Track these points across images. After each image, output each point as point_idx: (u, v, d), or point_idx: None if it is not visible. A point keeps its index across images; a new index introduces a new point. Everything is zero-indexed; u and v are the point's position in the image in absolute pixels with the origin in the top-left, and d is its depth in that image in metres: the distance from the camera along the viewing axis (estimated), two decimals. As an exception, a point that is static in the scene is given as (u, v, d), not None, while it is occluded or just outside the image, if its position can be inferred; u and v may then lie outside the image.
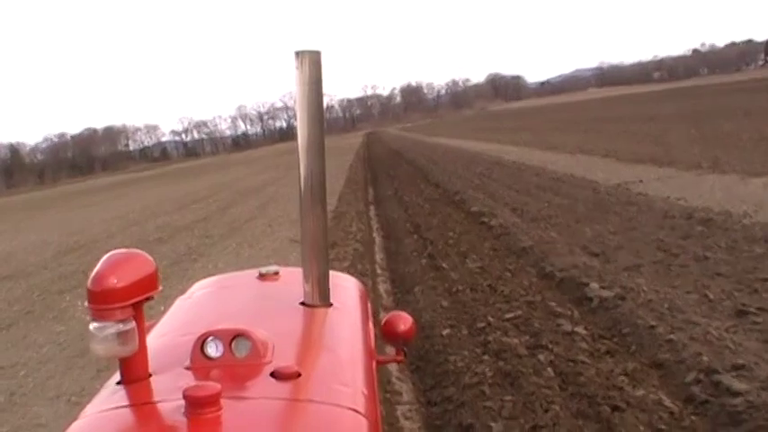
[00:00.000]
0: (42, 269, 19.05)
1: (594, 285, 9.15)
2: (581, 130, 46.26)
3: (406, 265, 12.79)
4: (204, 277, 3.94)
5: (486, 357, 7.38)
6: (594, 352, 7.15)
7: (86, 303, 2.07)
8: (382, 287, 11.80)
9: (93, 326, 2.06)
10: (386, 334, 3.46)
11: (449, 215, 17.21)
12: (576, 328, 7.82)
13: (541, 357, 7.05)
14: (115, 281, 2.05)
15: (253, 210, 27.13)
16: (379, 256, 14.51)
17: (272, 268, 3.56)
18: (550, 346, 7.35)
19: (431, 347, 8.16)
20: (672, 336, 7.03)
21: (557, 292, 9.45)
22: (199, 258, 16.59)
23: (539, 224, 14.29)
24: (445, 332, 8.44)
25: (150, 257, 2.21)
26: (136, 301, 2.10)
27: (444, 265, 11.83)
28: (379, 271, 13.13)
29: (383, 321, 3.47)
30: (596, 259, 10.83)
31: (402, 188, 25.36)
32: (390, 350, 3.82)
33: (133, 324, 2.10)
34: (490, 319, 8.56)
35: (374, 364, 3.01)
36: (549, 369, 6.76)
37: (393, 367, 7.86)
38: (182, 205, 34.42)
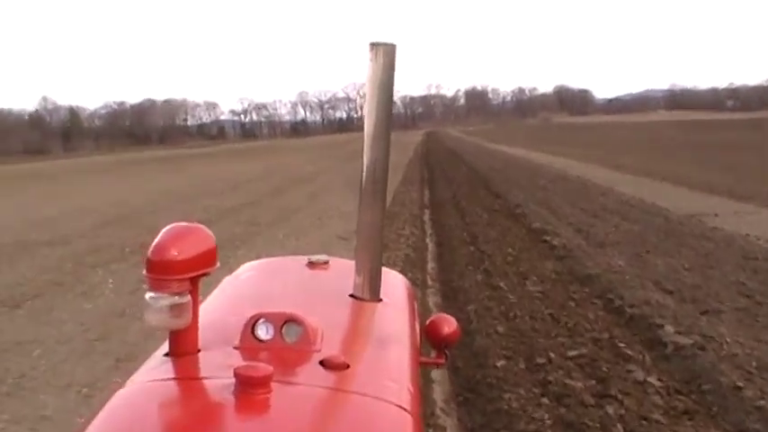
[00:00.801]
0: (80, 238, 18.61)
1: (670, 329, 8.33)
2: (650, 152, 45.14)
3: (459, 278, 12.04)
4: None
5: (545, 401, 6.61)
6: (670, 410, 6.34)
7: (144, 272, 2.04)
8: (432, 300, 11.08)
9: (149, 295, 2.04)
10: (429, 335, 3.27)
11: (508, 228, 16.44)
12: (650, 378, 7.02)
13: (610, 410, 6.25)
14: (175, 253, 2.03)
15: (303, 199, 26.64)
16: (430, 265, 13.80)
17: (322, 257, 3.52)
18: (620, 396, 6.55)
19: (482, 379, 7.40)
20: (762, 402, 6.22)
21: (626, 331, 8.64)
22: (241, 246, 15.95)
23: (605, 250, 13.47)
24: (500, 363, 7.68)
25: (211, 233, 2.18)
26: (194, 276, 2.08)
27: (502, 284, 11.06)
28: (429, 282, 12.40)
29: (427, 323, 3.26)
30: (670, 297, 9.99)
31: (460, 194, 24.57)
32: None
33: (189, 298, 2.08)
34: (551, 354, 7.77)
35: (418, 364, 2.89)
36: (620, 426, 5.97)
37: (438, 395, 7.24)
38: (232, 186, 34.05)
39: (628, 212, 18.30)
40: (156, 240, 2.07)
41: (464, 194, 24.28)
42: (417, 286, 11.20)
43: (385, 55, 2.79)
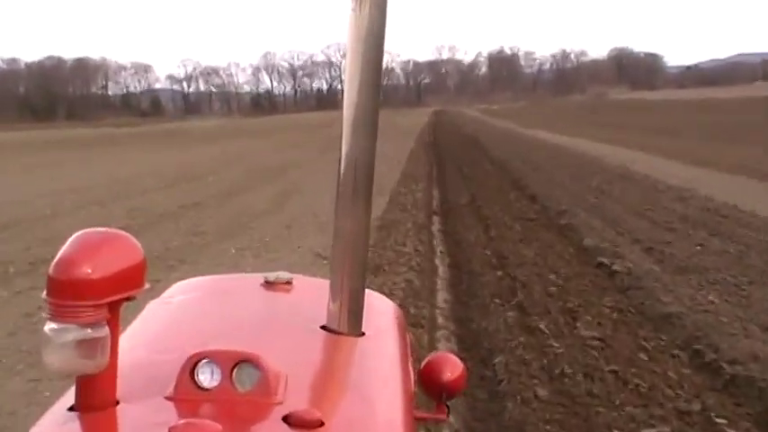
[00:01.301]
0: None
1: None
2: (747, 140, 44.54)
3: (482, 316, 11.60)
4: None
5: None
6: None
7: (44, 296, 1.91)
8: (444, 347, 10.62)
9: (49, 327, 1.91)
10: (427, 381, 3.27)
11: (549, 246, 16.03)
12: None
13: None
14: (88, 270, 1.91)
15: (268, 200, 26.30)
16: (441, 297, 13.35)
17: (284, 275, 3.42)
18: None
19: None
20: None
21: (726, 400, 8.18)
22: (178, 266, 15.50)
23: (689, 278, 13.04)
24: (543, 446, 7.25)
25: (136, 242, 2.08)
26: (114, 300, 1.97)
27: (542, 326, 10.60)
28: (440, 320, 11.93)
29: (424, 364, 3.30)
30: (786, 349, 9.57)
31: (482, 196, 24.19)
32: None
33: (106, 331, 1.97)
34: (617, 433, 7.34)
35: (412, 417, 2.83)
36: None
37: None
38: (169, 182, 33.65)
39: (718, 225, 17.86)
40: (62, 253, 1.96)
41: (487, 197, 23.93)
42: (422, 327, 10.80)
43: (372, 4, 2.70)
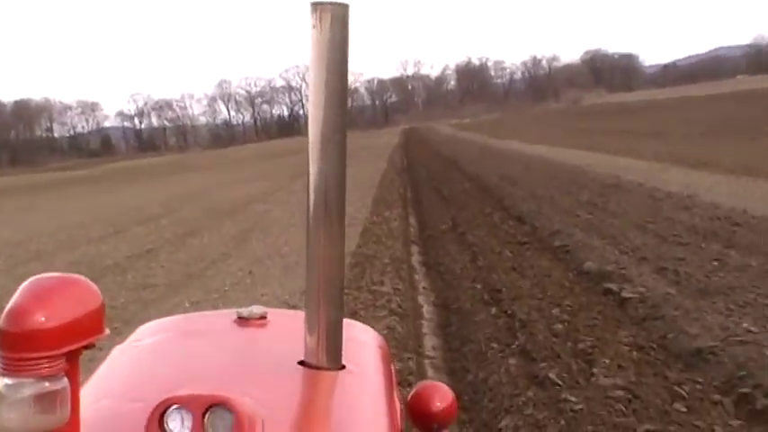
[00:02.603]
0: None
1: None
2: (742, 137, 43.65)
3: (479, 367, 10.38)
4: None
5: None
6: None
7: None
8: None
9: (4, 383, 1.81)
10: (415, 412, 3.39)
11: (547, 273, 14.76)
12: None
13: None
14: (43, 318, 1.80)
15: (227, 242, 24.99)
16: (429, 343, 12.18)
17: (257, 309, 3.36)
18: None
19: None
20: None
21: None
22: (122, 327, 14.24)
23: (713, 302, 11.81)
24: None
25: (94, 286, 1.96)
26: (72, 349, 1.87)
27: (553, 376, 9.28)
28: (430, 372, 10.71)
29: (411, 395, 3.42)
30: None
31: (463, 219, 22.91)
32: None
33: (65, 382, 1.85)
34: None
35: None
36: None
37: None
38: (119, 228, 32.31)
39: (731, 235, 16.68)
40: (13, 301, 1.82)
41: (470, 220, 22.65)
42: (409, 386, 9.59)
43: (334, 19, 2.71)
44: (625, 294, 12.39)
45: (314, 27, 2.73)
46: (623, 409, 8.16)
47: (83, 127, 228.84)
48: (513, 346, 10.73)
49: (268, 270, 18.36)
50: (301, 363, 2.87)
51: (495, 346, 10.94)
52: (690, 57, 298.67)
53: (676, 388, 8.64)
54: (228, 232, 27.14)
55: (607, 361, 9.61)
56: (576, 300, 12.61)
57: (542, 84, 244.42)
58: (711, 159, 32.84)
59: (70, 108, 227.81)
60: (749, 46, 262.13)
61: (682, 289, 12.69)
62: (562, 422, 8.04)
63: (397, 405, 3.16)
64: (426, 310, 14.23)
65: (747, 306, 11.51)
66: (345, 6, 2.74)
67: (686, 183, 26.14)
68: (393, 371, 3.56)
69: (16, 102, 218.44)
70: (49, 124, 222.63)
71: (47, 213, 45.58)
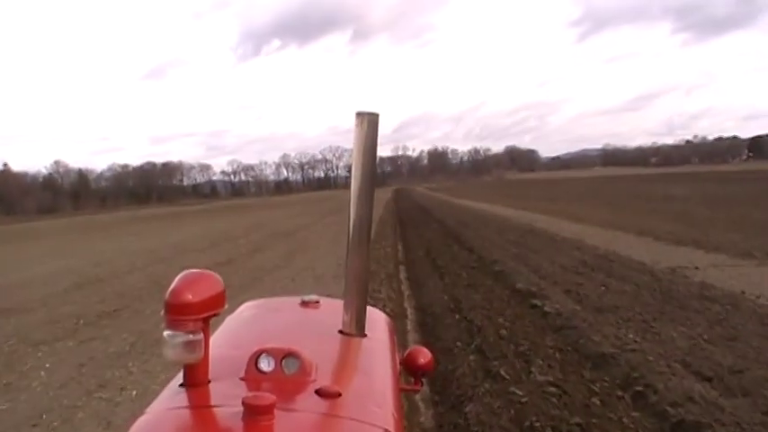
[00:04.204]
0: (42, 306, 15.38)
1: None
2: (602, 204, 42.49)
3: (449, 359, 8.96)
4: None
5: None
6: None
7: (162, 313, 1.99)
8: (419, 396, 8.03)
9: (167, 333, 2.00)
10: (407, 365, 3.36)
11: (491, 290, 13.31)
12: None
13: None
14: (190, 296, 1.99)
15: (280, 257, 23.38)
16: (412, 338, 10.68)
17: (314, 297, 3.46)
18: None
19: None
20: None
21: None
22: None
23: (606, 317, 10.46)
24: None
25: (220, 278, 2.12)
26: (206, 316, 2.04)
27: (503, 371, 7.89)
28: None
29: (405, 354, 3.37)
30: (713, 389, 7.03)
31: (434, 250, 21.30)
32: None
33: (201, 335, 2.02)
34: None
35: (399, 391, 2.83)
36: None
37: None
38: (213, 244, 30.85)
39: (610, 268, 15.31)
40: (173, 285, 2.02)
41: (438, 250, 21.01)
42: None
43: (369, 123, 2.80)
44: (546, 309, 11.00)
45: (356, 126, 2.79)
46: (556, 402, 6.79)
47: (200, 179, 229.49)
48: (472, 346, 9.33)
49: (304, 280, 16.84)
50: (340, 332, 2.93)
51: (459, 345, 9.52)
52: (568, 153, 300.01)
53: (591, 385, 7.28)
54: (281, 251, 25.61)
55: (540, 361, 8.23)
56: (514, 312, 11.19)
57: (480, 164, 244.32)
58: (586, 217, 31.49)
59: (194, 167, 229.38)
60: (602, 149, 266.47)
61: (584, 306, 11.32)
62: (512, 411, 6.66)
63: (397, 360, 3.16)
64: (410, 312, 12.82)
65: (630, 321, 10.20)
66: (377, 115, 2.81)
67: (574, 231, 24.72)
68: (395, 339, 3.51)
69: (163, 162, 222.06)
70: (181, 176, 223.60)
71: (169, 232, 44.25)
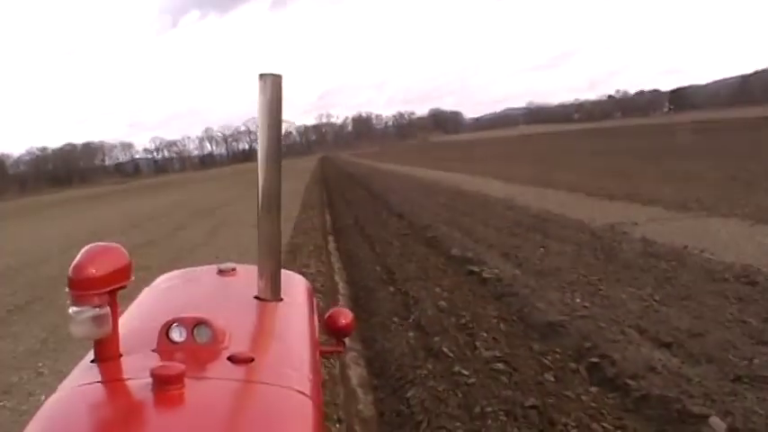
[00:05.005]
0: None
1: (716, 420, 4.86)
2: (530, 161, 42.31)
3: (385, 337, 8.22)
4: None
5: None
6: None
7: (66, 289, 2.00)
8: (356, 378, 7.29)
9: (72, 310, 2.02)
10: (328, 327, 3.48)
11: (426, 258, 12.58)
12: None
13: None
14: (94, 270, 2.01)
15: (203, 234, 22.19)
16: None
17: (230, 265, 3.46)
18: None
19: None
20: None
21: (649, 424, 5.09)
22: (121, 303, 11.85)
23: (549, 281, 9.86)
24: None
25: (125, 251, 2.14)
26: (111, 289, 2.06)
27: (445, 349, 7.16)
28: (348, 343, 8.57)
29: (326, 316, 3.49)
30: (674, 357, 6.47)
31: (363, 218, 20.47)
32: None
33: (108, 309, 2.06)
34: None
35: (318, 353, 2.92)
36: None
37: None
38: (134, 224, 29.39)
39: (546, 228, 14.74)
40: (76, 260, 2.02)
41: (367, 218, 20.18)
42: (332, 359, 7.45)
43: (273, 85, 2.76)
44: (485, 275, 10.34)
45: (260, 89, 2.73)
46: (506, 381, 6.11)
47: (122, 158, 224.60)
48: (410, 321, 8.61)
49: (228, 257, 15.89)
50: (256, 297, 2.87)
51: (396, 320, 8.76)
52: (492, 113, 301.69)
53: (543, 359, 6.62)
54: (205, 228, 24.29)
55: (484, 334, 7.54)
56: (452, 281, 10.44)
57: (405, 128, 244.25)
58: (514, 176, 31.00)
59: (115, 146, 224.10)
60: (525, 108, 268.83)
61: (524, 270, 10.72)
62: (459, 395, 5.96)
63: (316, 323, 3.18)
64: (341, 286, 12.02)
65: (574, 284, 9.60)
66: (280, 77, 2.73)
67: (504, 191, 24.14)
68: (314, 302, 3.51)
69: (84, 143, 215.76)
70: (103, 156, 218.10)
71: (89, 215, 42.49)
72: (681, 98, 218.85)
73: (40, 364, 8.95)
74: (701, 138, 47.35)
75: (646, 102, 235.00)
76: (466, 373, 6.37)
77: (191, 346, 2.14)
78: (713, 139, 46.22)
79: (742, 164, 24.93)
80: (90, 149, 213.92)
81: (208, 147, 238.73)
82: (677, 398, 5.29)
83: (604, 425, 5.11)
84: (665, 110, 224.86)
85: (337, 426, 5.67)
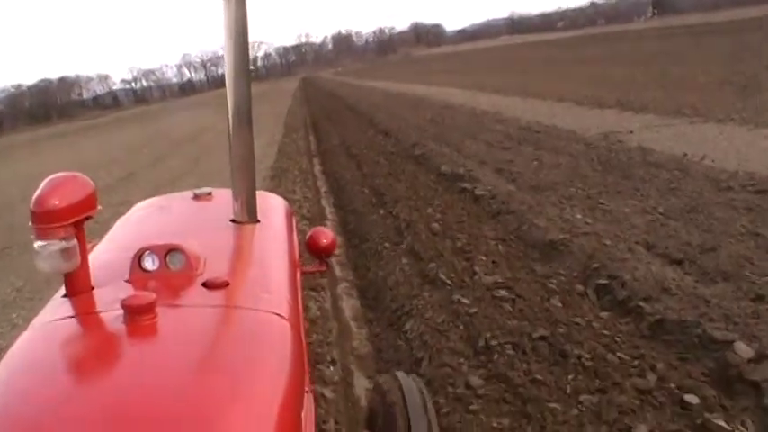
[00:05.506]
0: None
1: (741, 345, 4.44)
2: (515, 71, 41.45)
3: (378, 265, 7.79)
4: None
5: None
6: None
7: (30, 224, 1.95)
8: (349, 310, 6.87)
9: (37, 244, 1.98)
10: (310, 247, 3.52)
11: (415, 177, 12.04)
12: None
13: None
14: (56, 202, 1.95)
15: (186, 163, 21.58)
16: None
17: (206, 189, 3.44)
18: None
19: None
20: None
21: (669, 352, 4.68)
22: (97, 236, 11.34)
23: (547, 196, 9.36)
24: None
25: (89, 179, 2.09)
26: (76, 221, 2.01)
27: (442, 275, 6.69)
28: (338, 270, 8.11)
29: (307, 236, 3.53)
30: (687, 275, 6.03)
31: (349, 138, 19.88)
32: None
33: (75, 242, 2.00)
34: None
35: (299, 274, 2.91)
36: None
37: None
38: (114, 158, 28.62)
39: (538, 140, 14.19)
40: (37, 192, 1.96)
41: (353, 138, 19.56)
42: (322, 289, 7.00)
43: (237, 3, 2.62)
44: (479, 192, 9.83)
45: (225, 5, 2.59)
46: (511, 309, 5.65)
47: (100, 90, 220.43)
48: (403, 246, 8.15)
49: (211, 185, 15.41)
50: (232, 221, 2.81)
51: (387, 246, 8.30)
52: (474, 24, 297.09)
53: (547, 283, 6.15)
54: (187, 157, 23.68)
55: (482, 257, 7.05)
56: (444, 200, 9.90)
57: (386, 44, 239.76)
58: (500, 87, 30.21)
59: (92, 79, 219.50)
60: (507, 18, 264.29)
61: (519, 186, 10.19)
62: (461, 326, 5.52)
63: (296, 244, 3.14)
64: (329, 211, 11.56)
65: (573, 198, 9.11)
66: None
67: (492, 104, 23.49)
68: (293, 222, 3.46)
69: (59, 78, 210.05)
70: (79, 90, 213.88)
71: (71, 150, 41.72)
72: (663, 2, 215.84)
73: (15, 315, 8.42)
74: (692, 41, 46.25)
75: (629, 7, 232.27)
76: (466, 301, 5.92)
77: (164, 273, 2.13)
78: (702, 42, 45.26)
79: (734, 67, 24.25)
80: (66, 84, 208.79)
81: (187, 74, 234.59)
82: (696, 321, 4.86)
83: (620, 355, 4.69)
84: (649, 15, 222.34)
85: (331, 368, 5.25)
